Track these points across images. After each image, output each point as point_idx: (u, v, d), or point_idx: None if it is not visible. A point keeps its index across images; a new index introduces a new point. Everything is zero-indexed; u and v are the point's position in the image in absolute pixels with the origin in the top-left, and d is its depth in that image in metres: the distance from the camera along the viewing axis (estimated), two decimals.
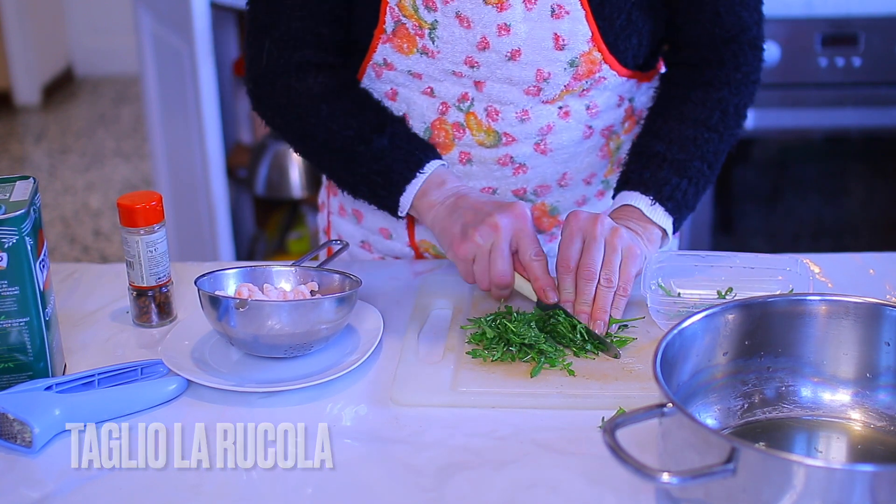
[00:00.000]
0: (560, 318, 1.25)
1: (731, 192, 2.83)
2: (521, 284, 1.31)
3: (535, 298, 1.30)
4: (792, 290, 1.29)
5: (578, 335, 1.24)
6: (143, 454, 1.08)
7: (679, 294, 1.30)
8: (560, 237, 1.29)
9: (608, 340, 1.24)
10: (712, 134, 1.41)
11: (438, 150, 1.42)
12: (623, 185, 1.40)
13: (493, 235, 1.28)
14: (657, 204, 1.36)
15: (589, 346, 1.23)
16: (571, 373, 1.19)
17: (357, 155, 1.39)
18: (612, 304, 1.26)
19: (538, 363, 1.20)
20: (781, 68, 2.60)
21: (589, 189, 1.49)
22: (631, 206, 1.37)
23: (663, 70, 1.50)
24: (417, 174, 1.37)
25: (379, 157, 1.38)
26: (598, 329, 1.25)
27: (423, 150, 1.39)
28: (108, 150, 5.30)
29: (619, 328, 1.28)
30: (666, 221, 1.37)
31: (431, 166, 1.38)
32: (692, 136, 1.40)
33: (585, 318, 1.26)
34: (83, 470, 1.05)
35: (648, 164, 1.38)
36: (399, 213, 1.40)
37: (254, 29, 1.43)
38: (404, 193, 1.37)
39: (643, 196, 1.36)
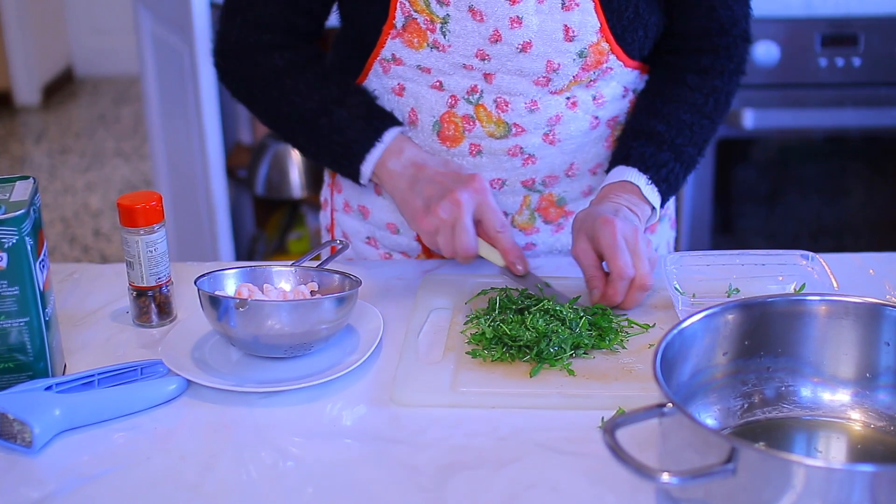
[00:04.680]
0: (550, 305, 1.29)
1: (731, 192, 2.83)
2: (486, 252, 1.35)
3: (500, 264, 1.35)
4: (804, 286, 1.30)
5: (579, 317, 1.27)
6: (143, 454, 1.08)
7: (694, 295, 1.31)
8: (597, 241, 1.31)
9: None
10: (706, 120, 1.46)
11: (448, 143, 1.44)
12: (623, 159, 1.43)
13: (456, 210, 1.32)
14: (653, 185, 1.41)
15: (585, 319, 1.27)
16: (571, 373, 1.19)
17: (319, 126, 1.43)
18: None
19: (538, 363, 1.20)
20: (781, 68, 2.60)
21: (595, 179, 1.50)
22: (630, 182, 1.41)
23: (656, 51, 1.52)
24: (376, 143, 1.41)
25: (339, 127, 1.42)
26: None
27: (382, 119, 1.42)
28: (108, 150, 5.31)
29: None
30: (657, 201, 1.42)
31: (390, 134, 1.41)
32: (689, 121, 1.44)
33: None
34: (83, 470, 1.05)
35: (649, 144, 1.42)
36: (361, 182, 1.44)
37: (228, 7, 1.47)
38: (365, 162, 1.41)
39: (642, 174, 1.41)
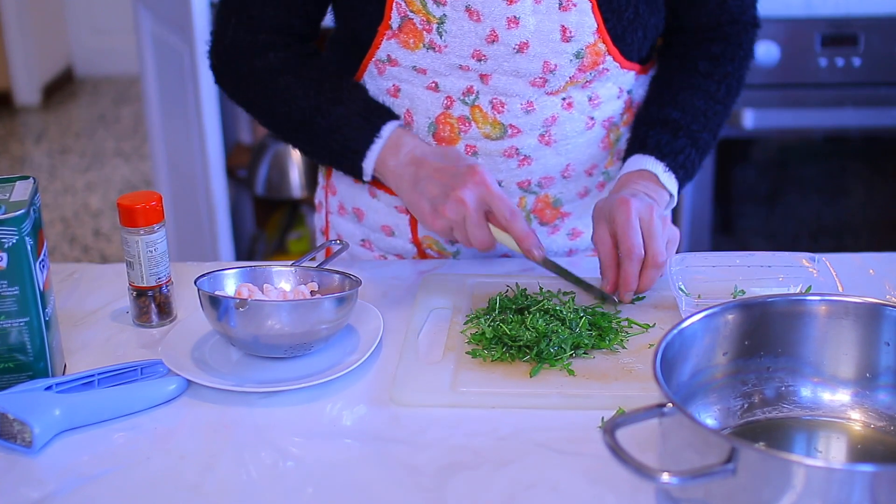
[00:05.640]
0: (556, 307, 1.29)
1: (731, 192, 2.83)
2: (503, 239, 1.34)
3: (517, 250, 1.35)
4: (810, 288, 1.30)
5: (580, 315, 1.27)
6: (143, 454, 1.08)
7: (699, 296, 1.31)
8: (613, 221, 1.31)
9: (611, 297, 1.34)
10: (719, 106, 1.47)
11: (443, 144, 1.43)
12: (639, 148, 1.43)
13: (462, 209, 1.31)
14: (670, 171, 1.41)
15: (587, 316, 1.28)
16: (571, 373, 1.19)
17: (316, 126, 1.42)
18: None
19: (538, 363, 1.20)
20: (781, 68, 2.60)
21: (590, 180, 1.50)
22: (647, 170, 1.41)
23: (664, 42, 1.54)
24: (375, 139, 1.40)
25: (337, 126, 1.41)
26: (627, 298, 1.32)
27: (380, 114, 1.42)
28: (108, 150, 5.31)
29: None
30: (674, 188, 1.42)
31: (388, 129, 1.41)
32: (703, 108, 1.45)
33: (629, 296, 1.32)
34: (83, 470, 1.05)
35: (664, 131, 1.43)
36: (364, 179, 1.44)
37: (223, 7, 1.47)
38: (366, 159, 1.41)
39: (658, 162, 1.41)
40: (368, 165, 1.41)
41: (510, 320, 1.26)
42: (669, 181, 1.40)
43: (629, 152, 1.44)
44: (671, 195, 1.42)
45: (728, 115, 1.49)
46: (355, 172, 1.44)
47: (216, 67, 1.49)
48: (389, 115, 1.43)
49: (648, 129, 1.44)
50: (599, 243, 1.33)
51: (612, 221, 1.31)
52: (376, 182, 1.48)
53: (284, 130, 1.48)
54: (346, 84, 1.44)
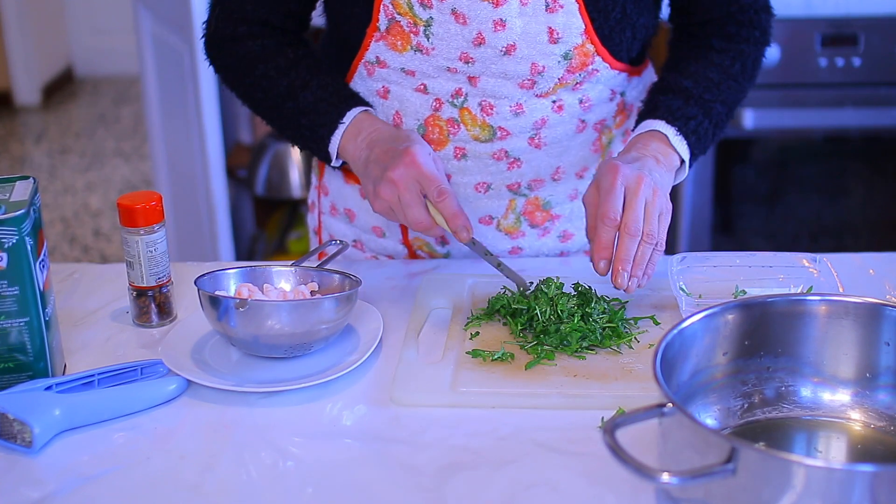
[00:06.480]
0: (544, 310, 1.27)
1: (731, 192, 2.83)
2: (440, 221, 1.33)
3: (448, 230, 1.33)
4: (811, 289, 1.30)
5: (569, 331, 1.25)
6: (143, 454, 1.08)
7: (700, 296, 1.31)
8: (598, 185, 1.27)
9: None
10: (732, 81, 1.44)
11: (432, 146, 1.43)
12: (650, 113, 1.41)
13: (394, 189, 1.31)
14: (681, 136, 1.38)
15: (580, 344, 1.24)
16: (582, 357, 1.20)
17: (287, 110, 1.44)
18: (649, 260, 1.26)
19: (535, 358, 1.20)
20: (781, 68, 2.60)
21: (581, 183, 1.50)
22: (658, 131, 1.38)
23: (676, 29, 1.52)
24: (339, 124, 1.41)
25: (305, 110, 1.43)
26: (633, 285, 1.24)
27: (346, 100, 1.43)
28: (108, 150, 5.31)
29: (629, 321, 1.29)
30: (685, 152, 1.38)
31: (351, 114, 1.41)
32: (716, 79, 1.43)
33: (625, 276, 1.24)
34: (83, 470, 1.05)
35: (676, 98, 1.40)
36: (333, 164, 1.44)
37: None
38: (331, 144, 1.42)
39: (669, 126, 1.38)
40: (333, 150, 1.42)
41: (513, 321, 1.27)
42: (681, 145, 1.37)
43: (640, 118, 1.42)
44: (682, 161, 1.38)
45: (742, 93, 1.46)
46: (325, 157, 1.44)
47: (207, 55, 1.53)
48: (356, 101, 1.43)
49: (659, 96, 1.41)
50: (587, 204, 1.29)
51: (599, 186, 1.28)
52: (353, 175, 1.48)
53: (263, 115, 1.50)
54: (317, 70, 1.45)
